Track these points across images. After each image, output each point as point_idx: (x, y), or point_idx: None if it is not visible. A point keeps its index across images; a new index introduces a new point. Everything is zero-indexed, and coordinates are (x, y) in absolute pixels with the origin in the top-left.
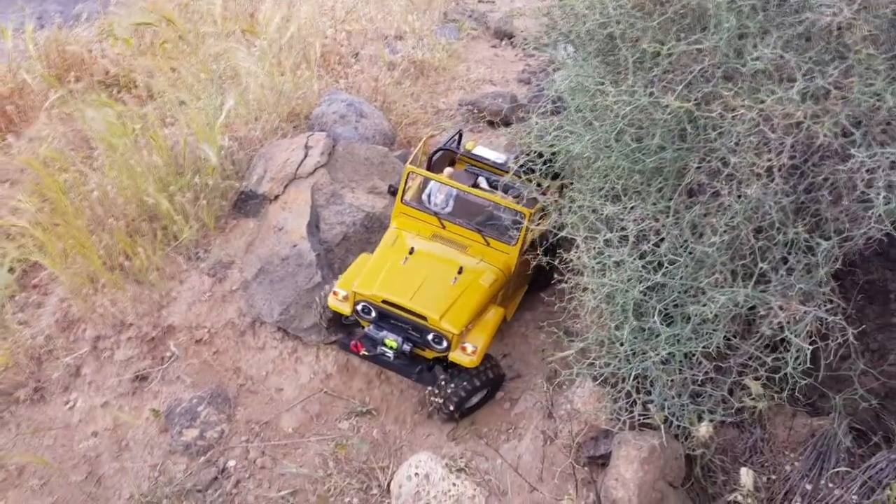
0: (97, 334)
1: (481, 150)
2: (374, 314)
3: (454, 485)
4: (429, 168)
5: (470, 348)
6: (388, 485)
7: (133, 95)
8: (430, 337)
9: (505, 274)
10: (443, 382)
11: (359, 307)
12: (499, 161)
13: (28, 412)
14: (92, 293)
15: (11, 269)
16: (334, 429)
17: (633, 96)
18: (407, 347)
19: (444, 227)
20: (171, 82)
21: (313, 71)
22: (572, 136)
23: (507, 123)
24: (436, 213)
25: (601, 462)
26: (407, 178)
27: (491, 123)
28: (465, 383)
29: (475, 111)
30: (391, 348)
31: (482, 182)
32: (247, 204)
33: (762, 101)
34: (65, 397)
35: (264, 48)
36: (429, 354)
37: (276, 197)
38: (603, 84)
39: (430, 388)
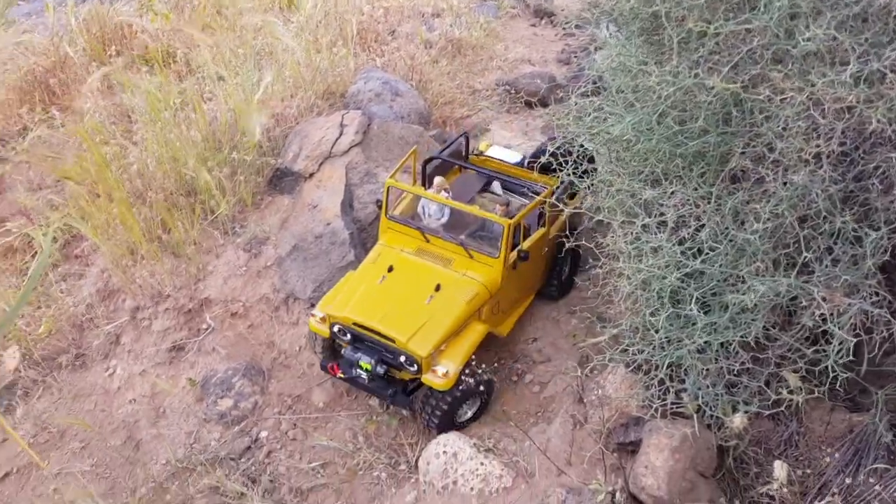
0: (136, 305)
1: (495, 151)
2: (348, 336)
3: (482, 464)
4: (423, 177)
5: (441, 371)
6: (416, 461)
7: (172, 70)
8: (402, 359)
9: (488, 289)
10: (423, 398)
11: (335, 329)
12: (513, 161)
13: (70, 378)
14: (131, 265)
15: (55, 240)
16: (364, 405)
17: (677, 77)
18: (381, 370)
19: (427, 241)
20: (210, 57)
21: (350, 48)
22: (612, 118)
23: (544, 104)
24: (419, 228)
25: (631, 449)
26: (388, 192)
27: (528, 104)
28: (441, 400)
29: (512, 91)
30: (365, 370)
31: (496, 185)
32: (282, 181)
33: (813, 85)
34: (105, 364)
35: (301, 24)
36: (405, 376)
37: (311, 175)
38: (646, 64)
39: (405, 409)
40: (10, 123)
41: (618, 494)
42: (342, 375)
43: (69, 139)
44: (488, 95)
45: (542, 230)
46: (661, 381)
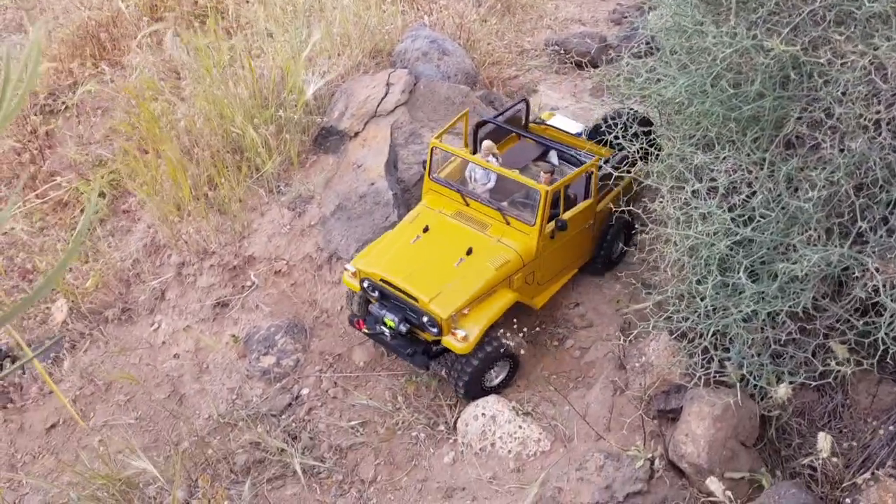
0: (181, 260)
1: (558, 121)
2: (377, 292)
3: (520, 427)
4: (475, 141)
5: (460, 334)
6: (455, 423)
7: (222, 27)
8: (424, 319)
9: (522, 257)
10: (450, 363)
11: (365, 284)
12: (575, 131)
13: (116, 332)
14: (177, 221)
15: (102, 194)
16: (404, 365)
17: (734, 38)
18: (404, 328)
19: (467, 205)
20: (259, 14)
21: (398, 6)
22: (665, 80)
23: (594, 65)
24: (459, 190)
25: (671, 417)
26: (432, 154)
27: (577, 65)
28: (465, 364)
29: (562, 52)
30: (389, 327)
31: (552, 155)
32: (327, 140)
33: (876, 48)
34: (150, 319)
35: None
36: (427, 336)
37: (356, 134)
38: (702, 24)
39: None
40: (62, 78)
41: (657, 461)
42: (367, 330)
43: (118, 94)
44: (537, 55)
45: (588, 201)
46: (705, 350)
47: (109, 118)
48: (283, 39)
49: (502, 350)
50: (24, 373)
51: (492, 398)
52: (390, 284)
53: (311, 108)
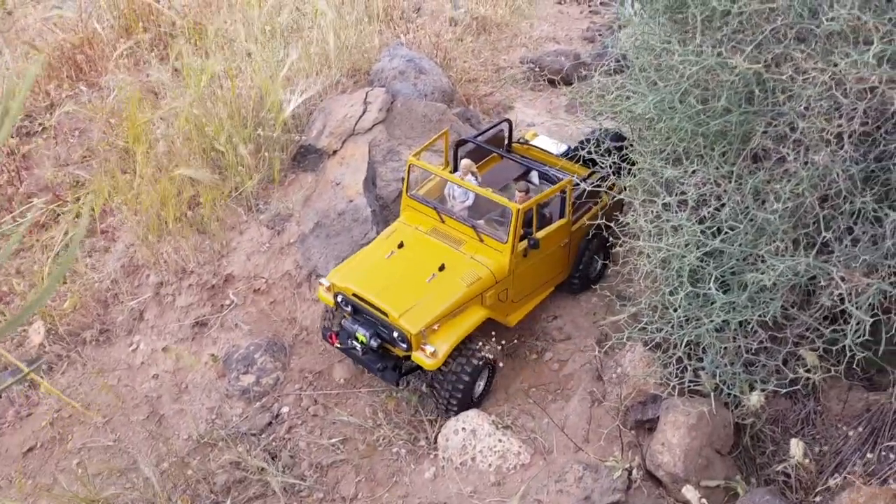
0: (160, 280)
1: (542, 141)
2: (349, 307)
3: (500, 441)
4: (455, 159)
5: (429, 350)
6: (436, 438)
7: (198, 47)
8: (395, 334)
9: (494, 274)
10: (438, 383)
11: (338, 299)
12: (558, 151)
13: (94, 353)
14: (156, 241)
15: (77, 216)
16: (384, 382)
17: (700, 56)
18: (375, 343)
19: (442, 221)
20: (237, 34)
21: (375, 25)
22: (635, 96)
23: (568, 82)
24: (435, 207)
25: (648, 426)
26: (409, 171)
27: (552, 82)
28: (454, 382)
29: (536, 69)
30: (361, 342)
31: (533, 175)
32: (306, 158)
33: (835, 65)
34: (128, 340)
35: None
36: (398, 352)
37: (335, 152)
38: (669, 43)
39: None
40: (38, 99)
41: (634, 471)
42: (339, 345)
43: (96, 115)
44: (512, 73)
45: (562, 221)
46: (679, 360)
47: (87, 139)
48: (261, 59)
49: (483, 361)
50: (0, 396)
51: (472, 412)
52: (362, 299)
53: (289, 126)
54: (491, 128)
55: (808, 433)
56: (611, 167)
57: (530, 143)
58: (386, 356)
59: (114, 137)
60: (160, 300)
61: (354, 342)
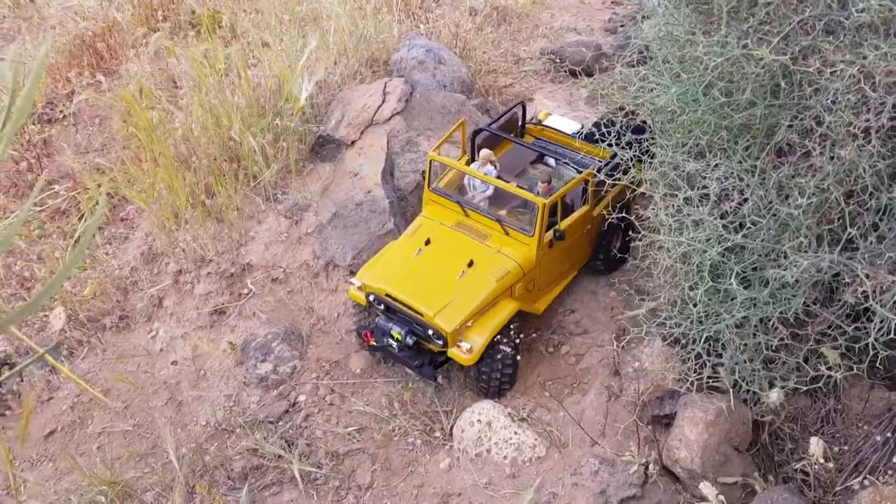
0: (179, 268)
1: (554, 121)
2: (382, 306)
3: (515, 433)
4: (472, 149)
5: (465, 346)
6: (451, 429)
7: (218, 36)
8: (430, 332)
9: (522, 267)
10: (484, 376)
11: (370, 298)
12: (571, 130)
13: (114, 339)
14: (175, 229)
15: (97, 203)
16: (400, 372)
17: (725, 48)
18: (410, 340)
19: (466, 216)
20: (255, 23)
21: (394, 15)
22: (658, 88)
23: (589, 74)
24: (458, 201)
25: (665, 422)
26: (430, 165)
27: (572, 73)
28: (503, 367)
29: (557, 60)
30: (396, 340)
31: (549, 158)
32: (324, 148)
33: (864, 57)
34: (148, 326)
35: None
36: (434, 347)
37: (353, 142)
38: (694, 34)
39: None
40: (59, 87)
41: (651, 466)
42: (374, 343)
43: (116, 103)
44: (533, 64)
45: (584, 207)
46: (698, 356)
47: (107, 127)
48: (279, 49)
49: (518, 350)
50: (21, 380)
51: (487, 404)
52: (395, 299)
53: (307, 116)
54: (507, 112)
55: (828, 432)
56: (631, 160)
57: (543, 122)
58: (422, 352)
59: (132, 126)
60: (179, 288)
61: (390, 340)
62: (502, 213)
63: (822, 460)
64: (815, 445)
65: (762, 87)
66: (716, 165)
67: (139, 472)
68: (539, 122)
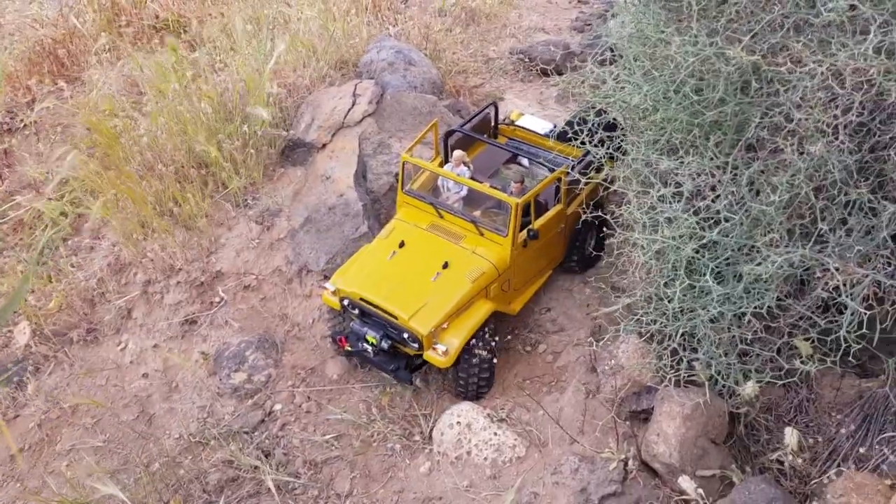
0: (147, 278)
1: (527, 121)
2: (357, 310)
3: (495, 434)
4: (445, 150)
5: (441, 349)
6: (430, 432)
7: (182, 41)
8: (405, 335)
9: (497, 267)
10: (461, 381)
11: (345, 303)
12: (543, 130)
13: (81, 353)
14: (142, 238)
15: (64, 214)
16: (378, 377)
17: (695, 46)
18: (386, 344)
19: (441, 217)
20: (221, 27)
21: (363, 17)
22: (630, 87)
23: (559, 73)
24: (432, 203)
25: (643, 417)
26: (403, 168)
27: (543, 73)
28: (481, 370)
29: (526, 60)
30: (371, 344)
31: (522, 158)
32: (294, 152)
33: (833, 55)
34: (116, 339)
35: None
36: (410, 351)
37: (324, 145)
38: (664, 32)
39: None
40: (19, 95)
41: (630, 462)
42: (349, 348)
43: (78, 111)
44: (502, 64)
45: (558, 206)
46: (674, 351)
47: (69, 136)
48: (247, 52)
49: (493, 353)
50: None
51: (466, 405)
52: (370, 303)
53: (276, 120)
54: (479, 112)
55: (802, 421)
56: (603, 157)
57: (516, 123)
58: (398, 356)
59: (96, 134)
60: (148, 298)
61: (365, 344)
62: (476, 213)
63: (796, 450)
64: (790, 436)
65: (732, 84)
66: (688, 162)
67: (111, 489)
68: (512, 123)
